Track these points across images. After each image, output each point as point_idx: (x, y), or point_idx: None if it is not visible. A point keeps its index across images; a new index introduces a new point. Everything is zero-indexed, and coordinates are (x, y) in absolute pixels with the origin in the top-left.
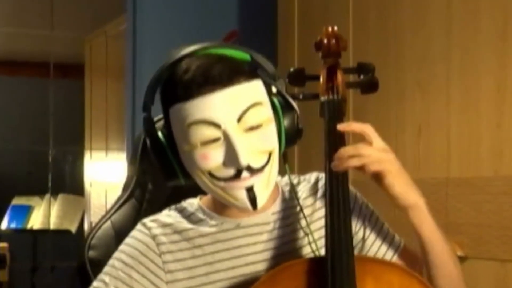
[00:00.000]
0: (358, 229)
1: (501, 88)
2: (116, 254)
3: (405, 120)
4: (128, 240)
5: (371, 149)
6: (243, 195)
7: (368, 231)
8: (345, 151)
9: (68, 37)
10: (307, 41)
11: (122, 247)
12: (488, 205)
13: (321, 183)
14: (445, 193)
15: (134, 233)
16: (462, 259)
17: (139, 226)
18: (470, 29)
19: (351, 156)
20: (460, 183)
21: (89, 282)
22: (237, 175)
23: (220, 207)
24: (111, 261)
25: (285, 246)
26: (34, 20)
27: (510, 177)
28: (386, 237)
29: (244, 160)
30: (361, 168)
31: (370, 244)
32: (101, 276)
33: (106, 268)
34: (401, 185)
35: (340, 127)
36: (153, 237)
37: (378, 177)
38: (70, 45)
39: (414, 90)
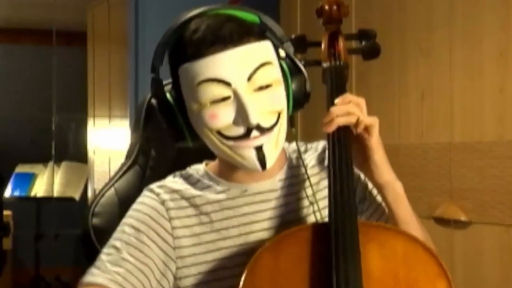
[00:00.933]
0: (358, 199)
1: (504, 53)
2: (126, 219)
3: (408, 86)
4: (136, 205)
5: (359, 111)
6: (252, 154)
7: (367, 202)
8: (335, 110)
9: (71, 4)
10: (309, 8)
11: (131, 212)
12: (492, 170)
13: (324, 151)
14: (449, 158)
15: (142, 198)
16: (466, 224)
17: (146, 192)
18: None
19: (341, 114)
20: (464, 148)
21: (93, 249)
22: (247, 134)
23: (227, 172)
24: (120, 227)
25: (291, 215)
26: None
27: None
28: (379, 204)
29: (254, 119)
30: (348, 131)
31: (370, 213)
32: (112, 241)
33: (116, 234)
34: (382, 156)
35: (337, 100)
36: (162, 202)
37: (362, 141)
38: (73, 12)
39: (417, 56)
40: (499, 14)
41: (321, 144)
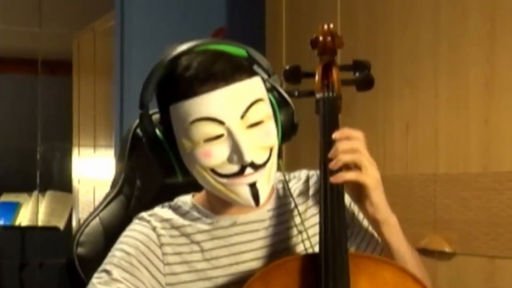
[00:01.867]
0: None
1: (489, 85)
2: (116, 245)
3: (393, 116)
4: (127, 232)
5: (363, 148)
6: (246, 191)
7: (356, 230)
8: (340, 146)
9: (56, 33)
10: (295, 38)
11: (121, 239)
12: (476, 201)
13: (312, 180)
14: (433, 189)
15: (133, 226)
16: (450, 255)
17: (137, 220)
18: (458, 26)
19: (346, 151)
20: (448, 179)
21: (78, 278)
22: (241, 172)
23: (216, 205)
24: (111, 253)
25: (281, 244)
26: (22, 16)
27: (498, 173)
28: (372, 238)
29: (248, 157)
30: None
31: (358, 242)
32: (102, 266)
33: (107, 259)
34: (381, 196)
35: (335, 135)
36: (153, 228)
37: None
38: (58, 41)
39: (402, 86)
40: (484, 45)
41: (303, 173)
